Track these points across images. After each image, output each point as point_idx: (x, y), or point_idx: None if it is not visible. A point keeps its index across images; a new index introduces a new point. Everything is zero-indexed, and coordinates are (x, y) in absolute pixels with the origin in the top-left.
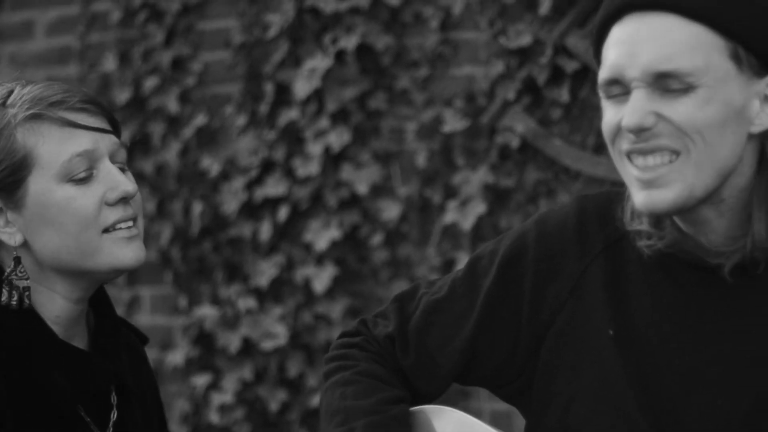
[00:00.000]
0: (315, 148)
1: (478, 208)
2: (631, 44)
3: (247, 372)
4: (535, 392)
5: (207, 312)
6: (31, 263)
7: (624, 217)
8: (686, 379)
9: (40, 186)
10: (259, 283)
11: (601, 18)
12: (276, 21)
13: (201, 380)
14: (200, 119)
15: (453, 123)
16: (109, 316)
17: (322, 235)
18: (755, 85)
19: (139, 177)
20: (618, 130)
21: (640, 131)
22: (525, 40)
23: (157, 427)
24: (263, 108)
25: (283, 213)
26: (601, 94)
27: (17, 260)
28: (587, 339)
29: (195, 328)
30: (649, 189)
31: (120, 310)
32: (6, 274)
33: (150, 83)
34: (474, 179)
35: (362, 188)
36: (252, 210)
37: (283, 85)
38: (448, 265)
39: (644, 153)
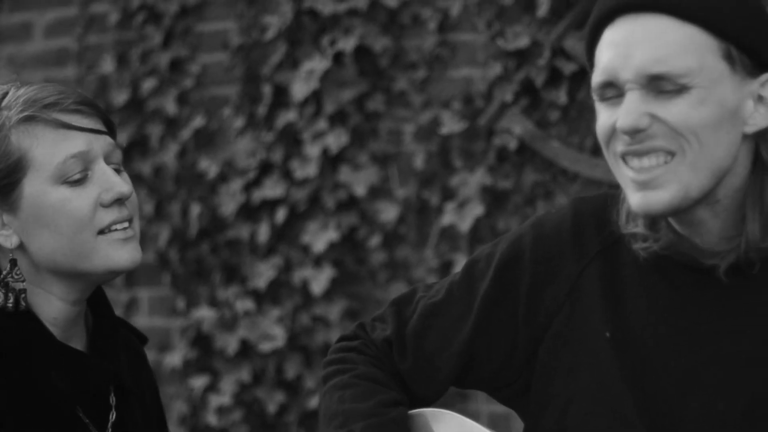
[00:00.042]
0: (313, 150)
1: (476, 209)
2: (625, 46)
3: (245, 374)
4: (532, 394)
5: (205, 314)
6: (28, 265)
7: (619, 220)
8: (683, 381)
9: (35, 188)
10: (257, 284)
11: (594, 20)
12: (274, 23)
13: (199, 382)
14: (198, 121)
15: (451, 125)
16: (108, 317)
17: (320, 237)
18: (749, 85)
19: (137, 178)
20: (612, 132)
21: (634, 133)
22: (523, 42)
23: (157, 428)
24: (261, 110)
25: (281, 215)
26: (595, 97)
27: (13, 262)
28: (584, 341)
29: (193, 329)
30: (644, 190)
31: (118, 312)
32: (2, 276)
33: (148, 85)
34: (472, 181)
35: (360, 190)
36: (250, 212)
37: (281, 87)
38: (446, 266)
39: (639, 154)
